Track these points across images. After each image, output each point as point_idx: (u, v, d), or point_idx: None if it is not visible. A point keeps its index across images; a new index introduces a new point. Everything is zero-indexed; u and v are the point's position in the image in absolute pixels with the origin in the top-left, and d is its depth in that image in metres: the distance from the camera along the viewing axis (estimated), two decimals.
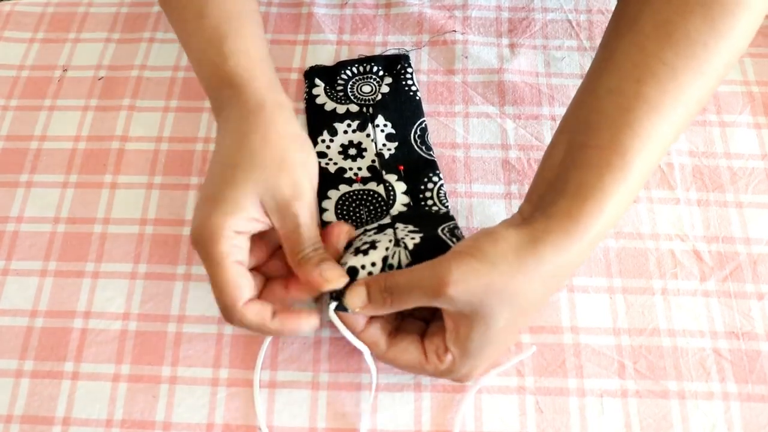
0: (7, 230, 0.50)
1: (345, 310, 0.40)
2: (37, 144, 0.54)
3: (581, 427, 0.42)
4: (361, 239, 0.44)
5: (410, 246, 0.41)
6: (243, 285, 0.39)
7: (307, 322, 0.40)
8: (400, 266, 0.40)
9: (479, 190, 0.51)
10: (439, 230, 0.43)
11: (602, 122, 0.39)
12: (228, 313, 0.39)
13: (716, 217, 0.49)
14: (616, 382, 0.44)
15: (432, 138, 0.53)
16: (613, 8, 0.59)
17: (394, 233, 0.43)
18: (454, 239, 0.42)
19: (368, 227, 0.46)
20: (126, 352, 0.45)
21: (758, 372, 0.44)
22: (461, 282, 0.36)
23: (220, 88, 0.43)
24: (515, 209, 0.49)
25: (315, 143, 0.51)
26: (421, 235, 0.42)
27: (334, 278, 0.40)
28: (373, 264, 0.41)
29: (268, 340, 0.45)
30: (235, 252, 0.39)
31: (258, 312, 0.39)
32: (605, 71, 0.40)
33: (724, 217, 0.49)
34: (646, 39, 0.39)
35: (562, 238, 0.37)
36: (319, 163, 0.49)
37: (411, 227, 0.44)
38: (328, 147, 0.51)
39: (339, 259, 0.42)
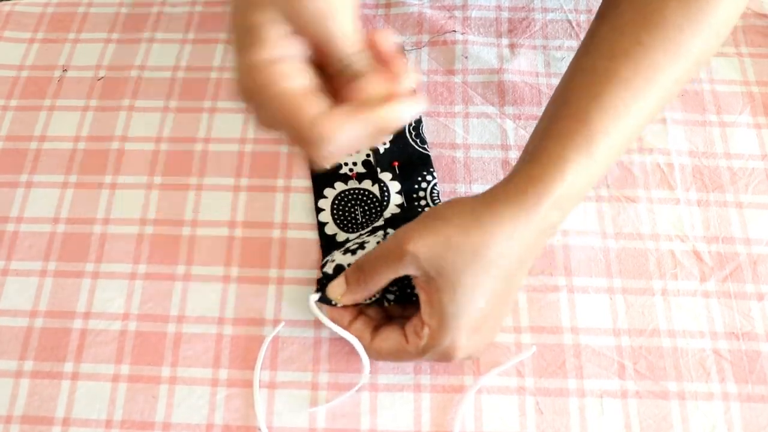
0: (7, 230, 0.50)
1: (328, 302, 0.42)
2: (37, 144, 0.54)
3: (581, 427, 0.42)
4: (353, 241, 0.45)
5: None
6: (314, 98, 0.31)
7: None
8: None
9: (479, 191, 0.50)
10: None
11: (573, 96, 0.40)
12: (309, 132, 0.30)
13: (716, 218, 0.49)
14: (616, 383, 0.44)
15: (432, 138, 0.53)
16: None
17: (384, 236, 0.44)
18: None
19: (363, 232, 0.47)
20: (126, 352, 0.45)
21: (758, 372, 0.44)
22: (419, 239, 0.38)
23: None
24: None
25: None
26: None
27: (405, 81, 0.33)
28: None
29: (268, 340, 0.45)
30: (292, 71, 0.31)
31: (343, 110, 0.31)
32: (584, 52, 0.42)
33: (724, 217, 0.49)
34: (624, 22, 0.40)
35: (519, 197, 0.38)
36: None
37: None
38: None
39: (329, 254, 0.45)
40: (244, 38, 0.32)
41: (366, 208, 0.49)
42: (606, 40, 0.41)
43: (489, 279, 0.38)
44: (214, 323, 0.46)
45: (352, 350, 0.43)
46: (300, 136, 0.30)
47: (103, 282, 0.48)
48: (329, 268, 0.44)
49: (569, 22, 0.58)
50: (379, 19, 0.59)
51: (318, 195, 0.49)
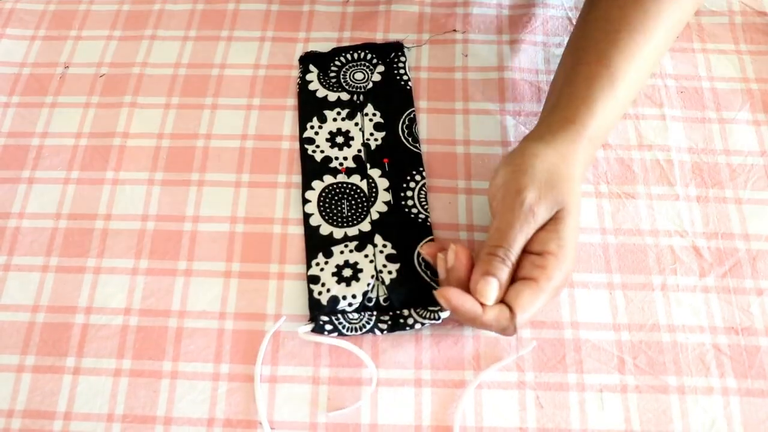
0: (9, 226, 0.50)
1: (321, 331, 0.44)
2: (39, 140, 0.54)
3: (581, 422, 0.43)
4: (342, 252, 0.47)
5: (387, 281, 0.46)
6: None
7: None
8: (377, 299, 0.45)
9: (479, 187, 0.51)
10: (415, 255, 0.47)
11: (590, 44, 0.45)
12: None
13: (715, 214, 0.49)
14: (616, 378, 0.44)
15: (432, 134, 0.53)
16: None
17: (375, 259, 0.46)
18: (429, 271, 0.46)
19: (349, 233, 0.48)
20: (127, 347, 0.45)
21: (757, 367, 0.44)
22: (538, 198, 0.41)
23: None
24: None
25: (304, 129, 0.53)
26: (396, 266, 0.46)
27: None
28: (354, 296, 0.45)
29: (269, 335, 0.45)
30: None
31: None
32: (593, 4, 0.47)
33: (724, 213, 0.49)
34: None
35: (565, 133, 0.43)
36: (306, 150, 0.51)
37: (389, 247, 0.47)
38: (316, 133, 0.52)
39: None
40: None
41: (353, 202, 0.49)
42: None
43: (578, 198, 0.42)
44: (215, 318, 0.46)
45: (353, 343, 0.43)
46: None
47: (105, 277, 0.48)
48: (324, 299, 0.45)
49: (569, 19, 0.59)
50: (380, 16, 0.59)
51: (306, 187, 0.50)
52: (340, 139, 0.52)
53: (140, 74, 0.57)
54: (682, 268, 0.47)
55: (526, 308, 0.40)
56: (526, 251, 0.41)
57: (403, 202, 0.49)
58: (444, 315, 0.44)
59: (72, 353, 0.45)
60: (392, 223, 0.48)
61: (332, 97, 0.54)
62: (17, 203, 0.51)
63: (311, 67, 0.55)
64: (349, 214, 0.49)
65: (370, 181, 0.50)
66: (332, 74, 0.55)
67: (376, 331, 0.44)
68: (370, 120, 0.52)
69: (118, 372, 0.45)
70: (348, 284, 0.45)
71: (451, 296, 0.40)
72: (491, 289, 0.40)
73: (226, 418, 0.43)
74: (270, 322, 0.46)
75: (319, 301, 0.45)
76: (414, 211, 0.49)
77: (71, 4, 0.61)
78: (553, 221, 0.41)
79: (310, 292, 0.46)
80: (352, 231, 0.48)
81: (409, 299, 0.45)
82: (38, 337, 0.46)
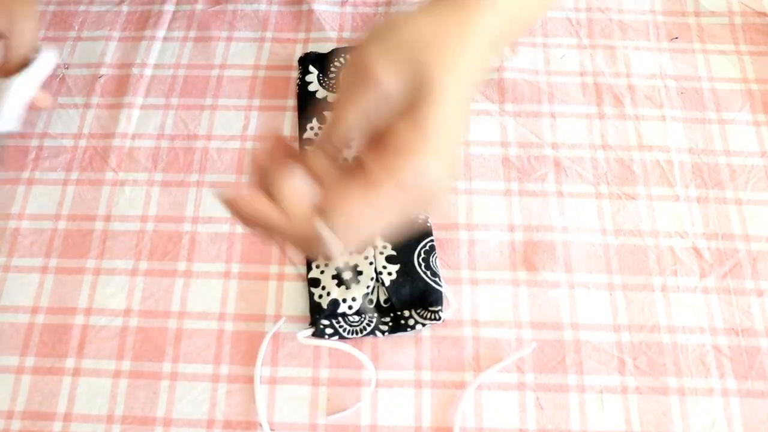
0: (9, 227, 0.50)
1: (322, 336, 0.44)
2: (38, 141, 0.54)
3: (581, 423, 0.43)
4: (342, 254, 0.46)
5: (387, 282, 0.45)
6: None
7: None
8: (378, 301, 0.45)
9: (479, 187, 0.51)
10: (415, 256, 0.46)
11: None
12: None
13: (716, 214, 0.49)
14: (616, 379, 0.44)
15: None
16: (612, 7, 0.60)
17: (374, 261, 0.46)
18: (428, 272, 0.46)
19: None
20: (127, 348, 0.45)
21: (757, 368, 0.44)
22: (389, 62, 0.30)
23: None
24: (515, 206, 0.50)
25: (304, 130, 0.52)
26: (396, 267, 0.46)
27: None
28: (354, 299, 0.45)
29: (269, 336, 0.45)
30: None
31: None
32: None
33: (724, 214, 0.49)
34: None
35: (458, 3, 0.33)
36: (306, 150, 0.51)
37: (389, 249, 0.46)
38: (316, 134, 0.52)
39: (319, 273, 0.46)
40: None
41: None
42: None
43: (459, 75, 0.32)
44: (215, 319, 0.46)
45: (353, 346, 0.43)
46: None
47: (105, 278, 0.48)
48: (324, 302, 0.45)
49: (569, 20, 0.59)
50: (379, 17, 0.59)
51: None
52: None
53: (140, 75, 0.56)
54: (682, 269, 0.47)
55: (344, 206, 0.29)
56: (382, 144, 0.30)
57: None
58: (445, 315, 0.44)
59: (72, 354, 0.45)
60: None
61: (332, 97, 0.54)
62: (17, 204, 0.51)
63: (311, 68, 0.55)
64: None
65: None
66: (332, 75, 0.55)
67: (377, 333, 0.44)
68: None
69: (117, 373, 0.45)
70: (348, 287, 0.45)
71: (240, 199, 0.29)
72: (293, 180, 0.29)
73: (226, 419, 0.43)
74: (270, 323, 0.46)
75: (319, 304, 0.45)
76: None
77: (71, 5, 0.61)
78: (413, 102, 0.30)
79: (311, 295, 0.46)
80: None
81: (409, 300, 0.45)
82: (38, 339, 0.46)
